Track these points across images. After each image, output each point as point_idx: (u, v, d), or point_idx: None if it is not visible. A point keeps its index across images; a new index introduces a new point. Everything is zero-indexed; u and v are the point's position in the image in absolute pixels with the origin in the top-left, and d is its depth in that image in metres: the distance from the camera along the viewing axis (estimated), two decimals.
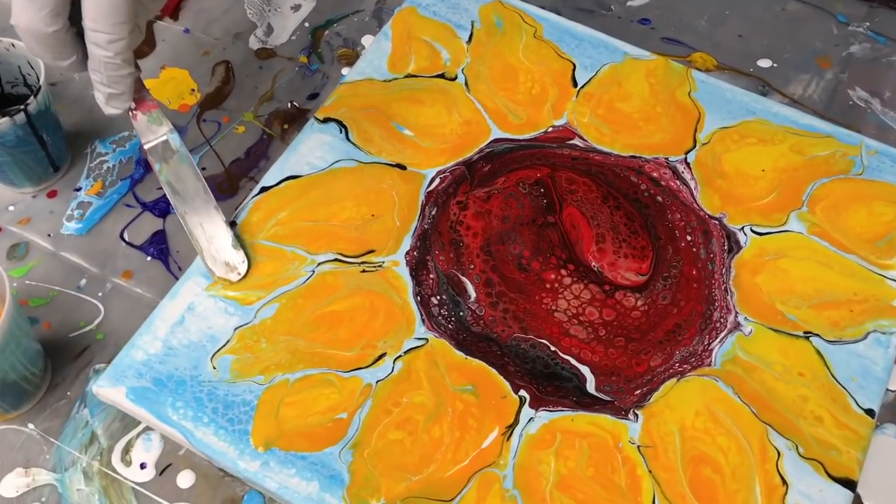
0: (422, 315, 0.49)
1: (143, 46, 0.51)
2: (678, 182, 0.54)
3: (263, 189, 0.53)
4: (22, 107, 0.52)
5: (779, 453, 0.45)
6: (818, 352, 0.48)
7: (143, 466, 0.49)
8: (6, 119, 0.52)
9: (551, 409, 0.46)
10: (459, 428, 0.45)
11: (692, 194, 0.54)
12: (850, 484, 0.44)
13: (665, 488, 0.44)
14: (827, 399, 0.46)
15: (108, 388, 0.46)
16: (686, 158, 0.55)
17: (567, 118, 0.57)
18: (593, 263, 0.51)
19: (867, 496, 0.48)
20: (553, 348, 0.48)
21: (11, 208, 0.59)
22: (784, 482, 0.44)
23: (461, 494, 0.43)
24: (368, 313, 0.49)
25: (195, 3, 0.71)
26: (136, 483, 0.48)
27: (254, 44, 0.68)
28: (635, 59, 0.60)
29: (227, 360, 0.47)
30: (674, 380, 0.47)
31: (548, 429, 0.45)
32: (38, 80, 0.54)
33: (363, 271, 0.50)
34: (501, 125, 0.57)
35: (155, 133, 0.50)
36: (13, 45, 0.55)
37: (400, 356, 0.47)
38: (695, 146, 0.56)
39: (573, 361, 0.48)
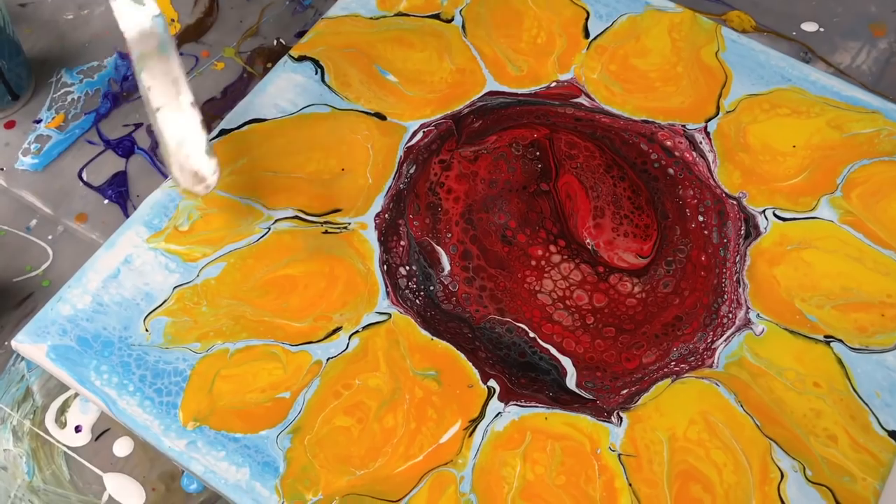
0: (387, 286, 0.43)
1: None
2: (694, 154, 0.47)
3: (224, 132, 0.48)
4: None
5: (782, 475, 0.39)
6: (839, 360, 0.42)
7: (77, 430, 0.45)
8: None
9: (523, 403, 0.40)
10: (416, 418, 0.40)
11: (709, 168, 0.47)
12: None
13: None
14: (845, 416, 0.40)
15: (27, 344, 0.41)
16: (706, 127, 0.48)
17: (574, 73, 0.50)
18: (588, 241, 0.45)
19: None
20: (532, 335, 0.42)
21: None
22: None
23: (410, 495, 0.38)
24: (326, 280, 0.43)
25: None
26: (69, 447, 0.45)
27: None
28: (658, 11, 0.53)
29: (162, 323, 0.42)
30: (668, 380, 0.41)
31: (517, 427, 0.40)
32: None
33: (325, 232, 0.45)
34: (498, 76, 0.50)
35: (136, 15, 0.43)
36: None
37: (357, 332, 0.42)
38: (717, 114, 0.49)
39: (553, 351, 0.42)
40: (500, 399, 0.40)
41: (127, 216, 0.50)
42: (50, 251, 0.51)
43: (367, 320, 0.42)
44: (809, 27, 0.58)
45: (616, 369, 0.41)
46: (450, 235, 0.45)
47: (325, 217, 0.45)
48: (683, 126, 0.49)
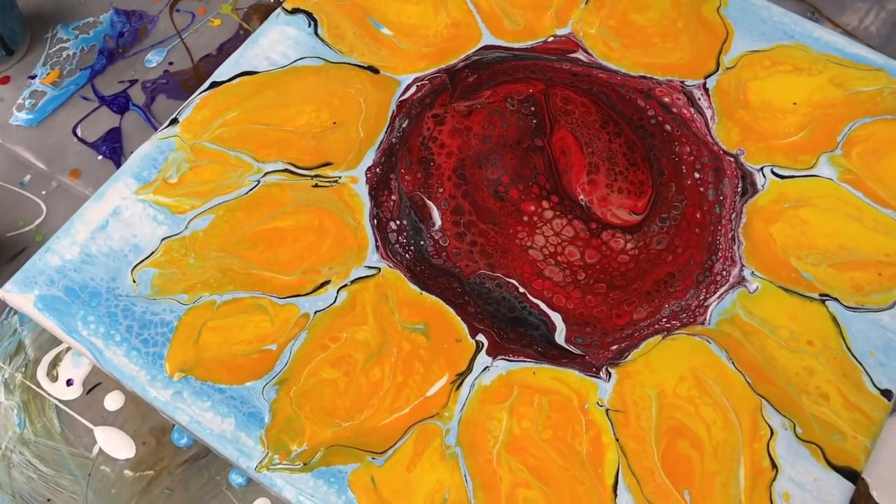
0: (377, 241, 0.43)
1: None
2: (692, 110, 0.47)
3: (214, 84, 0.47)
4: None
5: (772, 432, 0.38)
6: (834, 319, 0.41)
7: (69, 383, 0.45)
8: None
9: (511, 358, 0.40)
10: (403, 371, 0.39)
11: (707, 125, 0.46)
12: (852, 475, 0.37)
13: (632, 461, 0.37)
14: (837, 374, 0.40)
15: (15, 294, 0.41)
16: (705, 83, 0.48)
17: (572, 27, 0.50)
18: (581, 197, 0.44)
19: (876, 486, 0.41)
20: (522, 290, 0.41)
21: None
22: (774, 466, 0.38)
23: (395, 447, 0.38)
24: (315, 234, 0.43)
25: None
26: (60, 400, 0.45)
27: None
28: None
29: (150, 274, 0.41)
30: (658, 337, 0.40)
31: (504, 381, 0.39)
32: None
33: (315, 186, 0.44)
34: (495, 30, 0.49)
35: None
36: None
37: (346, 285, 0.41)
38: (717, 70, 0.48)
39: (543, 306, 0.41)
40: (489, 353, 0.40)
41: None
42: (43, 206, 0.50)
43: (355, 274, 0.42)
44: None
45: (606, 325, 0.41)
46: (441, 190, 0.44)
47: (316, 170, 0.45)
48: (682, 82, 0.48)
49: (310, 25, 0.49)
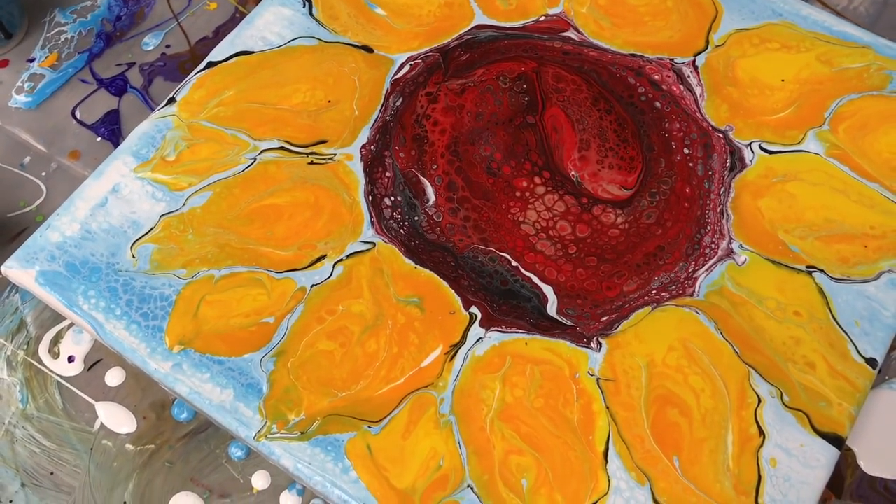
0: (371, 216, 0.43)
1: None
2: (682, 87, 0.47)
3: (211, 64, 0.48)
4: None
5: (759, 400, 0.39)
6: (820, 290, 0.42)
7: (70, 360, 0.46)
8: None
9: (504, 329, 0.41)
10: (398, 343, 0.40)
11: (696, 102, 0.47)
12: (837, 441, 0.38)
13: (622, 428, 0.38)
14: (823, 343, 0.40)
15: (17, 269, 0.42)
16: (694, 61, 0.48)
17: (563, 7, 0.50)
18: (572, 172, 0.45)
19: (863, 455, 0.42)
20: (514, 263, 0.42)
21: None
22: (761, 433, 0.38)
23: (390, 416, 0.38)
24: (311, 210, 0.43)
25: None
26: (62, 377, 0.46)
27: None
28: None
29: (149, 250, 0.42)
30: (648, 308, 0.41)
31: (497, 351, 0.40)
32: None
33: (311, 163, 0.45)
34: (487, 10, 0.50)
35: None
36: None
37: (341, 260, 0.42)
38: (706, 48, 0.49)
39: (535, 279, 0.42)
40: (482, 325, 0.41)
41: None
42: (43, 187, 0.51)
43: (351, 249, 0.43)
44: None
45: (597, 297, 0.42)
46: (435, 167, 0.45)
47: (311, 148, 0.45)
48: (672, 60, 0.48)
49: (304, 6, 0.50)
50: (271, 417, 0.38)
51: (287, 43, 0.48)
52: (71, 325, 0.47)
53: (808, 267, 0.42)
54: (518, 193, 0.44)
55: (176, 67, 0.55)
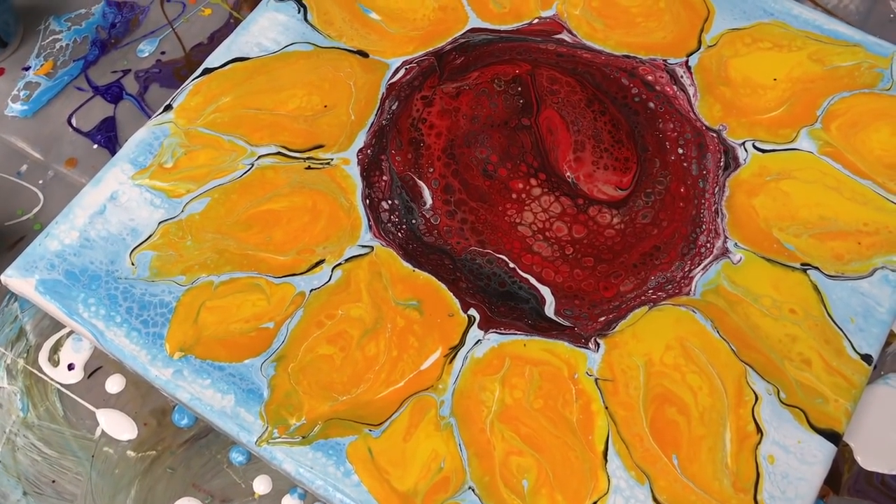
0: (369, 220, 0.44)
1: None
2: (675, 87, 0.48)
3: (207, 71, 0.48)
4: None
5: (757, 397, 0.39)
6: (815, 287, 0.42)
7: (70, 367, 0.46)
8: None
9: (503, 331, 0.41)
10: (398, 346, 0.40)
11: (690, 102, 0.47)
12: (834, 437, 0.39)
13: (621, 428, 0.39)
14: (819, 340, 0.41)
15: (17, 278, 0.42)
16: (687, 61, 0.49)
17: (556, 9, 0.51)
18: (568, 174, 0.45)
19: (859, 451, 0.43)
20: (512, 265, 0.43)
21: None
22: (759, 430, 0.39)
23: (391, 419, 0.39)
24: (309, 215, 0.44)
25: None
26: (62, 384, 0.46)
27: None
28: None
29: (148, 257, 0.42)
30: (645, 308, 0.42)
31: (496, 353, 0.40)
32: None
33: (308, 168, 0.45)
34: (481, 13, 0.50)
35: None
36: None
37: (340, 264, 0.42)
38: (699, 48, 0.49)
39: (533, 281, 0.42)
40: (480, 327, 0.41)
41: None
42: (41, 195, 0.51)
43: (349, 253, 0.43)
44: None
45: (594, 298, 0.42)
46: (432, 170, 0.45)
47: (308, 153, 0.46)
48: (665, 61, 0.49)
49: (299, 12, 0.50)
50: (272, 422, 0.39)
51: (283, 48, 0.49)
52: (70, 332, 0.47)
53: (802, 264, 0.43)
54: (514, 195, 0.45)
55: (171, 74, 0.55)
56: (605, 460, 0.38)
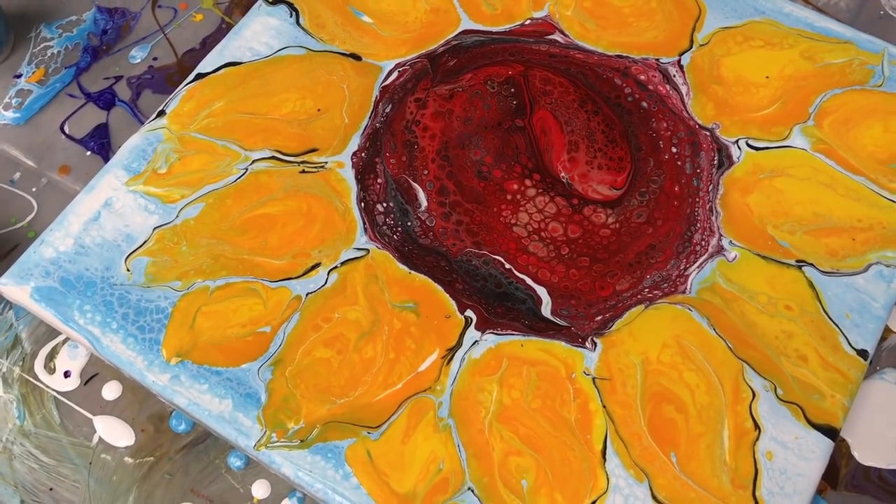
0: (364, 223, 0.44)
1: None
2: (668, 87, 0.48)
3: (199, 76, 0.48)
4: None
5: (754, 394, 0.40)
6: (811, 283, 0.42)
7: (67, 375, 0.46)
8: None
9: (500, 332, 0.41)
10: (395, 349, 0.40)
11: (683, 101, 0.47)
12: (831, 432, 0.39)
13: (619, 426, 0.39)
14: (815, 336, 0.41)
15: (12, 286, 0.42)
16: (680, 60, 0.49)
17: (548, 10, 0.51)
18: (562, 174, 0.45)
19: (856, 446, 0.43)
20: (508, 266, 0.43)
21: None
22: (757, 426, 0.39)
23: (389, 421, 0.39)
24: (304, 219, 0.44)
25: None
26: (59, 392, 0.46)
27: None
28: None
29: (143, 263, 0.42)
30: (641, 306, 0.42)
31: (493, 354, 0.40)
32: None
33: (302, 172, 0.45)
34: (473, 15, 0.50)
35: None
36: None
37: (336, 267, 0.42)
38: (691, 47, 0.49)
39: (529, 281, 0.42)
40: (477, 328, 0.41)
41: None
42: (34, 203, 0.51)
43: (345, 256, 0.43)
44: None
45: (590, 297, 0.42)
46: (426, 172, 0.45)
47: (302, 157, 0.46)
48: (657, 60, 0.49)
49: (291, 16, 0.50)
50: (271, 426, 0.39)
51: (275, 53, 0.49)
52: (66, 340, 0.47)
53: (797, 261, 0.43)
54: (509, 196, 0.45)
55: (164, 79, 0.55)
56: (604, 459, 0.38)
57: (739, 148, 0.46)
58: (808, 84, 0.48)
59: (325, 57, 0.49)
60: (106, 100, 0.55)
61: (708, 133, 0.47)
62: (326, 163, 0.45)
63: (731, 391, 0.40)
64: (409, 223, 0.44)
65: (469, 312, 0.42)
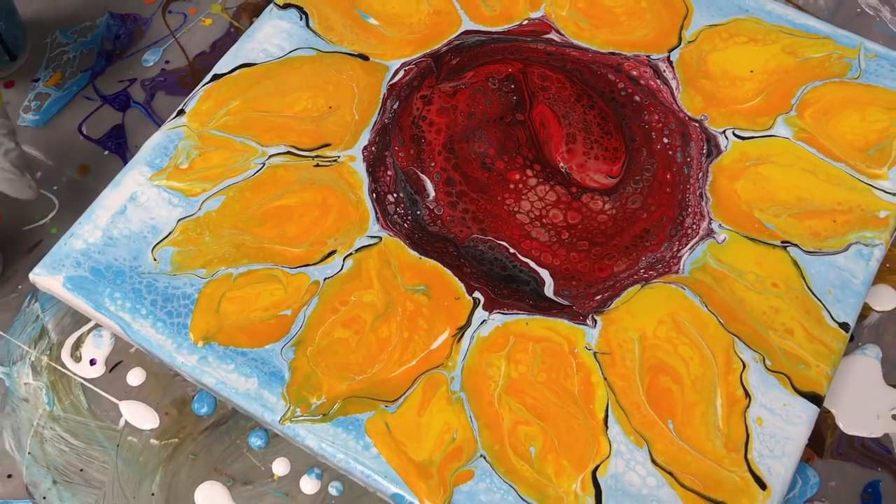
0: (376, 213, 0.46)
1: None
2: (659, 81, 0.51)
3: (216, 77, 0.50)
4: None
5: (744, 365, 0.42)
6: (795, 262, 0.45)
7: (92, 363, 0.48)
8: None
9: (506, 311, 0.44)
10: (409, 328, 0.43)
11: (673, 95, 0.50)
12: (816, 399, 0.42)
13: (620, 396, 0.42)
14: (800, 311, 0.44)
15: (45, 276, 0.44)
16: (669, 57, 0.52)
17: (544, 11, 0.53)
18: (561, 164, 0.48)
19: (841, 417, 0.46)
20: (512, 250, 0.45)
21: None
22: (747, 395, 0.42)
23: (405, 395, 0.41)
24: (320, 209, 0.46)
25: None
26: (85, 379, 0.48)
27: None
28: None
29: (169, 252, 0.45)
30: (638, 286, 0.44)
31: (501, 332, 0.43)
32: None
33: (317, 165, 0.48)
34: (473, 16, 0.53)
35: None
36: None
37: (351, 254, 0.45)
38: (679, 44, 0.52)
39: (532, 264, 0.45)
40: (485, 308, 0.44)
41: None
42: (55, 201, 0.53)
43: (359, 243, 0.45)
44: None
45: (590, 278, 0.45)
46: (433, 164, 0.48)
47: (316, 151, 0.48)
48: (648, 56, 0.52)
49: (301, 19, 0.53)
50: (294, 402, 0.41)
51: (287, 54, 0.51)
52: (91, 329, 0.49)
53: (782, 242, 0.46)
54: (512, 186, 0.47)
55: (176, 82, 0.58)
56: (606, 427, 0.41)
57: (727, 138, 0.49)
58: (789, 77, 0.51)
59: (334, 57, 0.51)
60: (121, 101, 0.57)
61: (697, 124, 0.49)
62: (339, 157, 0.48)
63: (723, 363, 0.42)
64: (418, 212, 0.47)
65: (477, 294, 0.44)
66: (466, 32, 0.53)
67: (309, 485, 0.45)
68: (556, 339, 0.43)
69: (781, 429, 0.41)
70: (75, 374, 0.48)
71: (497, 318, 0.43)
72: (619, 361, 0.42)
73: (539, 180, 0.48)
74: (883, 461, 0.45)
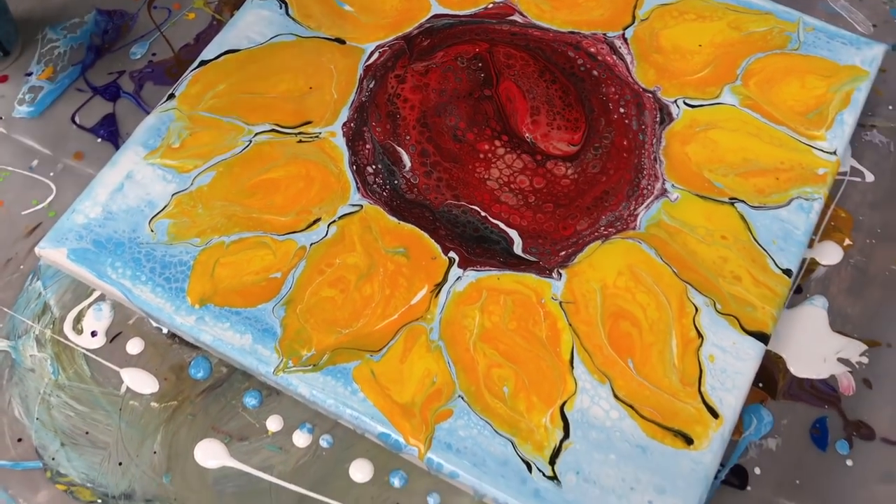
0: (357, 183, 0.50)
1: None
2: (615, 57, 0.55)
3: (203, 63, 0.54)
4: None
5: (696, 309, 0.46)
6: (742, 216, 0.49)
7: (93, 334, 0.50)
8: None
9: (479, 268, 0.47)
10: (390, 286, 0.47)
11: (628, 69, 0.54)
12: (763, 337, 0.46)
13: (584, 340, 0.45)
14: (747, 260, 0.48)
15: (49, 249, 0.47)
16: (624, 34, 0.56)
17: None
18: (527, 135, 0.52)
19: (791, 362, 0.49)
20: (483, 214, 0.49)
21: None
22: (700, 335, 0.45)
23: (388, 345, 0.45)
24: (304, 181, 0.50)
25: None
26: (88, 349, 0.50)
27: None
28: None
29: (165, 224, 0.48)
30: (598, 242, 0.48)
31: (474, 287, 0.47)
32: None
33: (300, 141, 0.51)
34: (442, 1, 0.57)
35: None
36: None
37: (334, 221, 0.49)
38: (633, 22, 0.56)
39: (502, 226, 0.49)
40: (460, 266, 0.47)
41: None
42: (53, 186, 0.55)
43: (342, 211, 0.49)
44: None
45: (555, 237, 0.49)
46: (409, 138, 0.52)
47: (299, 129, 0.52)
48: (604, 34, 0.56)
49: (281, 7, 0.56)
50: (286, 355, 0.45)
51: (269, 40, 0.55)
52: (91, 303, 0.51)
53: (730, 199, 0.50)
54: (482, 155, 0.51)
55: (163, 72, 0.60)
56: (572, 367, 0.45)
57: (678, 106, 0.53)
58: (735, 50, 0.55)
59: (313, 42, 0.55)
60: (111, 92, 0.59)
61: (651, 95, 0.53)
62: (320, 133, 0.52)
63: (677, 307, 0.46)
64: (395, 182, 0.50)
65: (452, 254, 0.48)
66: (436, 16, 0.56)
67: (301, 439, 0.47)
68: (525, 292, 0.47)
69: (732, 364, 0.45)
70: (78, 346, 0.49)
71: (471, 275, 0.47)
72: (583, 309, 0.46)
73: (507, 150, 0.51)
74: (829, 399, 0.48)
